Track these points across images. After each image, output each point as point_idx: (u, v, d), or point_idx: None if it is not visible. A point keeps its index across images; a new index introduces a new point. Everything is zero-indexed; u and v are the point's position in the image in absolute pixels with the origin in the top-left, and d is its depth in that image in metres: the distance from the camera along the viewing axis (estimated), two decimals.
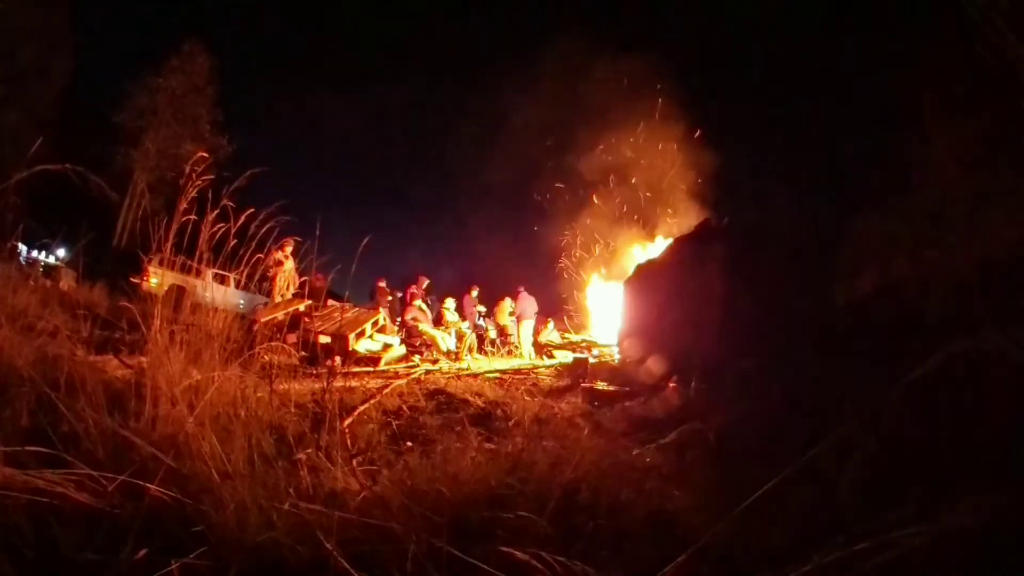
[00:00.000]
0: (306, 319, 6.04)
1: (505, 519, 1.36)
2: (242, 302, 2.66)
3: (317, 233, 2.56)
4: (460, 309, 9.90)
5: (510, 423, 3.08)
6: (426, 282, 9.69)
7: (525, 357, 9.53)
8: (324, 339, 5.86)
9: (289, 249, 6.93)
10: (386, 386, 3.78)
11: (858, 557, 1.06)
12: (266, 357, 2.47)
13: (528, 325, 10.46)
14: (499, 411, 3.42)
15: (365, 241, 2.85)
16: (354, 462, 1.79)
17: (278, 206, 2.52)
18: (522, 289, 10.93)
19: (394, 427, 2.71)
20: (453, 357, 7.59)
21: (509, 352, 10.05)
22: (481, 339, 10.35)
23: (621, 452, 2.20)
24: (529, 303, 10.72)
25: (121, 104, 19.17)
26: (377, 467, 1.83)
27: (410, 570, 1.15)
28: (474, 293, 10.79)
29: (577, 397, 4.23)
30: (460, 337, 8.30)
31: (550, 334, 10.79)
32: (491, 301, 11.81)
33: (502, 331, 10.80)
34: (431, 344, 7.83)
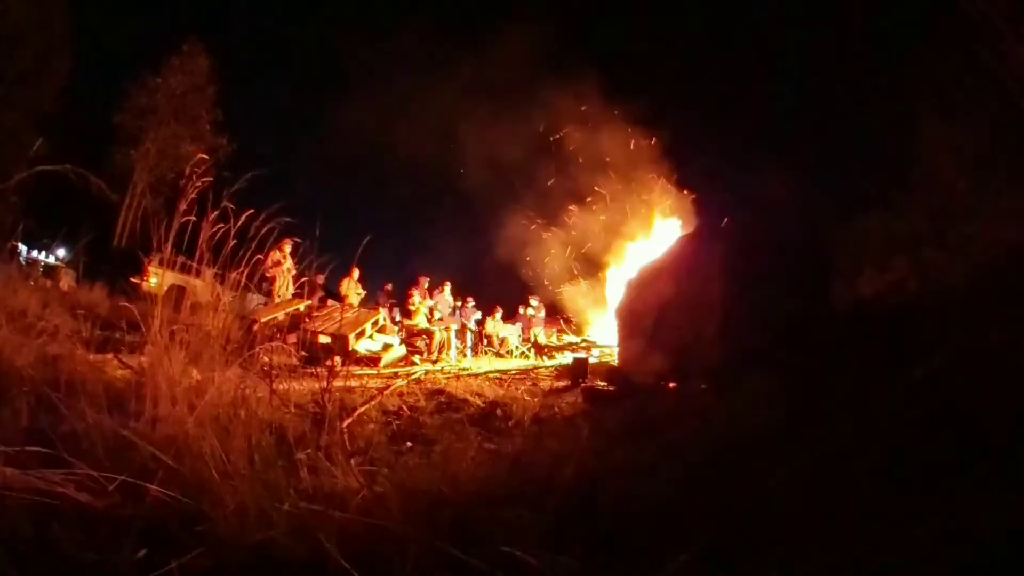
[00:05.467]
0: (306, 319, 6.04)
1: (505, 519, 1.36)
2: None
3: (317, 233, 2.56)
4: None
5: (510, 423, 3.08)
6: (426, 282, 9.72)
7: (515, 355, 9.76)
8: (324, 339, 5.86)
9: (288, 249, 6.94)
10: (386, 386, 3.78)
11: (858, 557, 1.06)
12: (266, 357, 2.47)
13: (536, 331, 11.35)
14: (499, 411, 3.42)
15: (365, 241, 2.85)
16: (353, 462, 1.79)
17: (278, 207, 2.52)
18: (535, 298, 11.99)
19: (394, 427, 2.71)
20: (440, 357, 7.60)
21: (498, 354, 10.14)
22: (479, 339, 10.43)
23: (621, 452, 2.19)
24: (537, 309, 11.87)
25: (121, 104, 19.15)
26: (377, 467, 1.83)
27: (410, 570, 1.15)
28: (447, 288, 10.83)
29: (577, 397, 4.23)
30: (430, 335, 8.23)
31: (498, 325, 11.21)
32: (490, 304, 12.00)
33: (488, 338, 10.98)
34: (429, 340, 7.84)
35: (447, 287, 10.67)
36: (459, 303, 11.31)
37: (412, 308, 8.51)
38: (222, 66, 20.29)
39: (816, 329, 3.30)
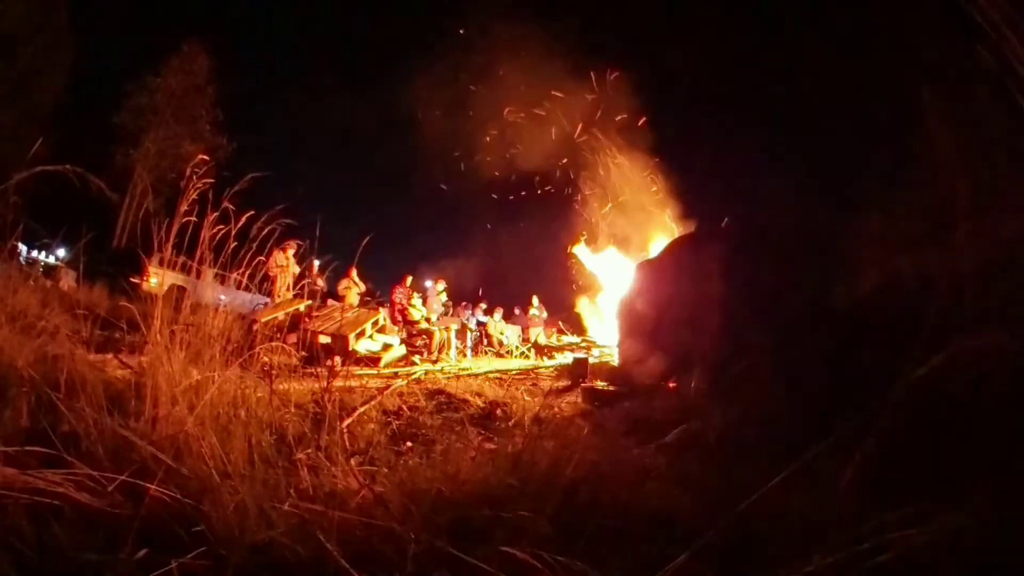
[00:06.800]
0: (306, 319, 6.04)
1: (505, 519, 1.36)
2: (223, 297, 2.70)
3: (317, 233, 2.56)
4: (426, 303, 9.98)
5: (510, 423, 3.08)
6: (410, 280, 9.74)
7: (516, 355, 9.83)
8: (324, 339, 5.86)
9: (291, 252, 6.94)
10: (386, 386, 3.78)
11: (858, 557, 1.06)
12: (266, 357, 2.47)
13: (534, 331, 11.60)
14: (499, 411, 3.42)
15: (365, 241, 2.85)
16: (353, 462, 1.79)
17: (279, 208, 2.52)
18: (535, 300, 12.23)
19: (394, 427, 2.71)
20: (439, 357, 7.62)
21: (498, 354, 10.16)
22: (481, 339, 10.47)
23: (621, 452, 2.20)
24: (540, 311, 12.12)
25: (121, 104, 19.13)
26: (377, 467, 1.83)
27: (410, 570, 1.15)
28: (440, 286, 10.78)
29: (577, 397, 4.24)
30: (430, 335, 8.21)
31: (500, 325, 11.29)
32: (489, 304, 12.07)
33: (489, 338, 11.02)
34: (428, 339, 7.87)
35: (440, 285, 10.68)
36: (466, 308, 11.36)
37: (403, 306, 8.56)
38: (222, 66, 20.29)
39: (816, 329, 3.30)
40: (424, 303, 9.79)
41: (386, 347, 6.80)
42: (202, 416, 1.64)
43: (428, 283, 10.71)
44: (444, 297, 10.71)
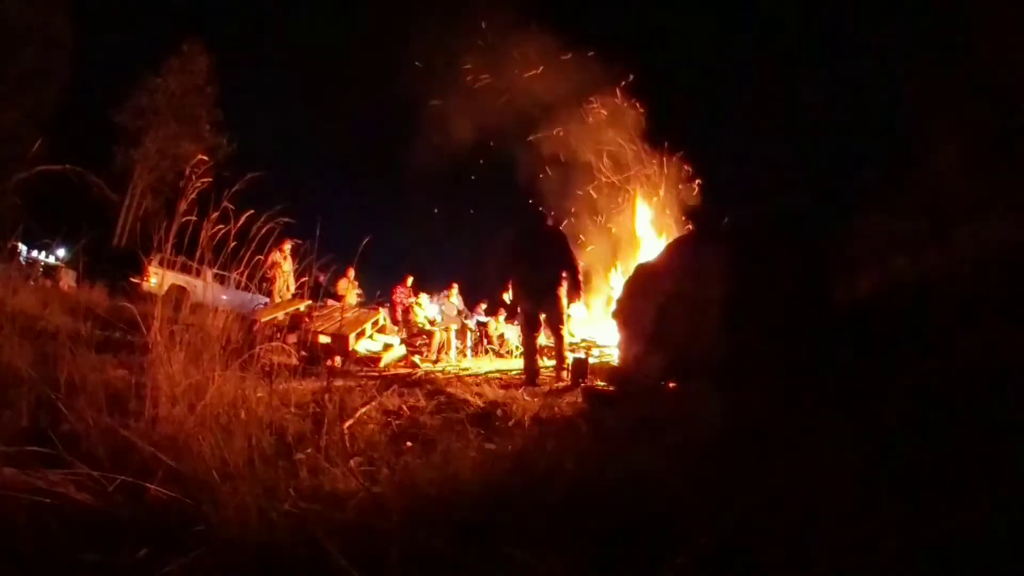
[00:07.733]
0: (306, 319, 6.05)
1: (505, 519, 1.36)
2: (224, 297, 2.71)
3: (317, 233, 2.57)
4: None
5: (510, 423, 3.08)
6: (410, 280, 9.71)
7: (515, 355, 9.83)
8: (324, 339, 5.86)
9: (287, 249, 6.94)
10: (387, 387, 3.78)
11: (858, 556, 1.06)
12: (266, 357, 2.47)
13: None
14: (499, 411, 3.42)
15: (365, 241, 2.85)
16: (353, 462, 1.79)
17: (279, 208, 2.52)
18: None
19: (394, 427, 2.71)
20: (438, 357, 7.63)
21: (498, 354, 10.15)
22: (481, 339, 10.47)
23: (621, 452, 2.19)
24: None
25: (121, 104, 19.19)
26: (377, 467, 1.83)
27: (410, 571, 1.15)
28: (454, 290, 10.74)
29: (577, 397, 4.23)
30: (430, 335, 8.17)
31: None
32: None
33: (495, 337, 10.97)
34: (428, 339, 7.88)
35: (454, 289, 10.66)
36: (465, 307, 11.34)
37: (406, 305, 8.58)
38: (222, 66, 20.34)
39: (816, 329, 3.30)
40: (444, 302, 9.80)
41: (386, 347, 6.80)
42: (202, 416, 1.64)
43: (455, 300, 10.61)
44: (457, 302, 10.69)
